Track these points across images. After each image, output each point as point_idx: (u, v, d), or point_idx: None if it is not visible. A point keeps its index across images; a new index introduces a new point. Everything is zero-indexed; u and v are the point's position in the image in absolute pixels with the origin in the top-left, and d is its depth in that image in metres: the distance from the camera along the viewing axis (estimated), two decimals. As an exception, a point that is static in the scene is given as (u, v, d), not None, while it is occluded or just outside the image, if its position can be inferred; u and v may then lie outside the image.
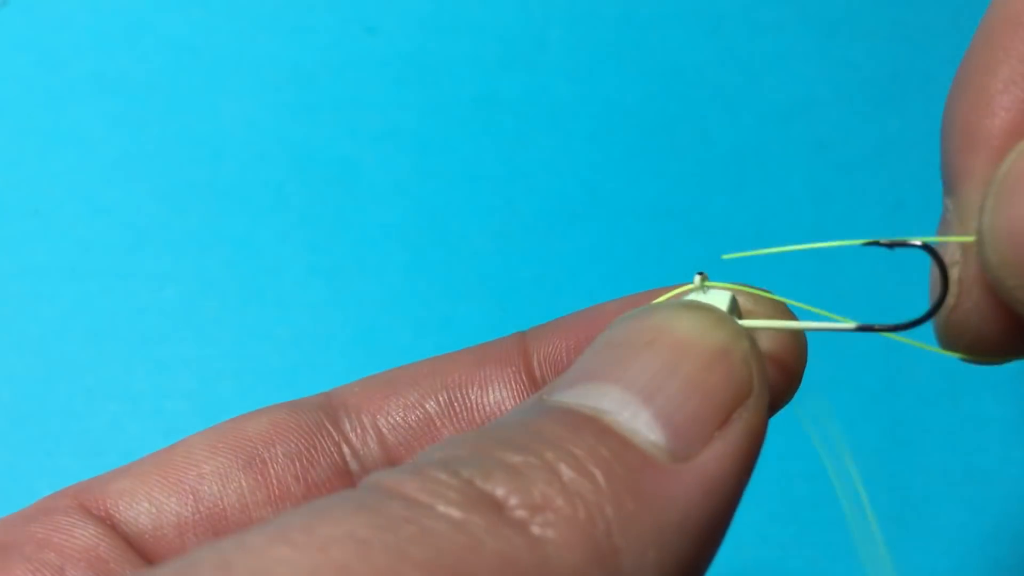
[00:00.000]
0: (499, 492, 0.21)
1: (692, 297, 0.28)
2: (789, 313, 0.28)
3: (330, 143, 0.62)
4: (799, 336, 0.28)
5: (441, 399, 0.32)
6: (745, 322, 0.26)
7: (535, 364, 0.33)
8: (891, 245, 0.25)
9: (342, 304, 0.59)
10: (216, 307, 0.58)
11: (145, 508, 0.30)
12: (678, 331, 0.24)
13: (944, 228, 0.29)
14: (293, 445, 0.31)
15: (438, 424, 0.32)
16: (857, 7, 0.66)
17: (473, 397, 0.32)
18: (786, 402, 0.29)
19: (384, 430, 0.32)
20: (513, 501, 0.21)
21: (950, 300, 0.27)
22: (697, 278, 0.28)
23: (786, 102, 0.64)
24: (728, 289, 0.28)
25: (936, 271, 0.26)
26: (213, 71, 0.63)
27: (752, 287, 0.28)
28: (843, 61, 0.65)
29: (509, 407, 0.32)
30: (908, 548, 0.55)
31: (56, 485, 0.54)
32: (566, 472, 0.21)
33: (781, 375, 0.28)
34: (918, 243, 0.26)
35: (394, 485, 0.21)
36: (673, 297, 0.29)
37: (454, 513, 0.20)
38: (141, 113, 0.62)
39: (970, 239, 0.27)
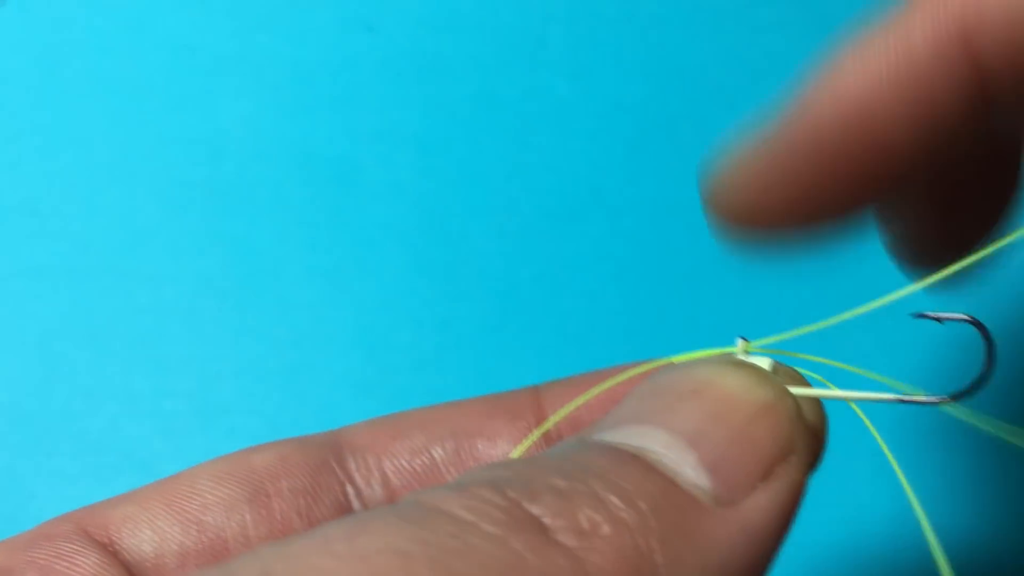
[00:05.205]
0: (545, 514, 0.21)
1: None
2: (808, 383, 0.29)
3: (329, 142, 0.62)
4: (822, 405, 0.29)
5: (448, 447, 0.32)
6: (792, 388, 0.27)
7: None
8: (940, 319, 0.26)
9: (342, 304, 0.59)
10: (215, 307, 0.58)
11: (148, 535, 0.30)
12: (725, 384, 0.25)
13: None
14: (299, 481, 0.31)
15: (443, 472, 0.32)
16: (859, 6, 0.66)
17: (481, 448, 0.32)
18: (813, 468, 0.29)
19: (389, 472, 0.32)
20: (559, 524, 0.21)
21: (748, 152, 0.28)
22: (740, 343, 0.28)
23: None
24: (769, 358, 0.28)
25: (984, 343, 0.26)
26: (211, 69, 0.63)
27: (793, 368, 0.28)
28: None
29: None
30: (910, 549, 0.54)
31: (54, 486, 0.54)
32: (614, 501, 0.21)
33: (812, 441, 0.28)
34: (965, 318, 0.26)
35: (437, 501, 0.21)
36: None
37: (499, 531, 0.20)
38: (139, 111, 0.62)
39: None
